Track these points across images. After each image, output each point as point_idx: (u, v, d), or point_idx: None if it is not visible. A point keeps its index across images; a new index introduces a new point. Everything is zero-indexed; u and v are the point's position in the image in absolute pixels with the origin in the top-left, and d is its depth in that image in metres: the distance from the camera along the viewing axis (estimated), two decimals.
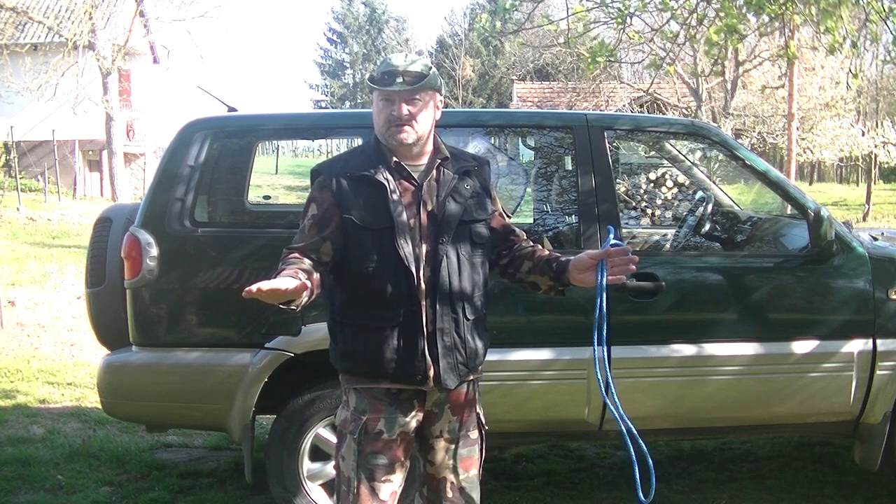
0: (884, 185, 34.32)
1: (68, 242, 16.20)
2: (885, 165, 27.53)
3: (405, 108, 2.62)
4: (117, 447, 5.16)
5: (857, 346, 4.03)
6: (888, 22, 5.69)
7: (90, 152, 26.68)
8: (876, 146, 23.33)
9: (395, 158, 2.66)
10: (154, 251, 3.87)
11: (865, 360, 4.02)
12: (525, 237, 2.90)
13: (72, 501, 4.43)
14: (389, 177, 2.64)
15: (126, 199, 21.71)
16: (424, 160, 2.71)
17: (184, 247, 3.92)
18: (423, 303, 2.62)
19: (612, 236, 2.65)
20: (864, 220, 21.60)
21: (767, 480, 4.71)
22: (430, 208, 2.66)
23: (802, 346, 4.04)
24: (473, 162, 2.80)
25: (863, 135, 23.58)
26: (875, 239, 4.51)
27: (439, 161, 2.71)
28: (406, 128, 2.62)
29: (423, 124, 2.65)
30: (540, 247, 2.87)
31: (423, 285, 2.62)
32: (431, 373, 2.63)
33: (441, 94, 2.74)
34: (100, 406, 4.33)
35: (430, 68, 2.67)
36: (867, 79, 29.54)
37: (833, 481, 4.67)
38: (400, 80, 2.60)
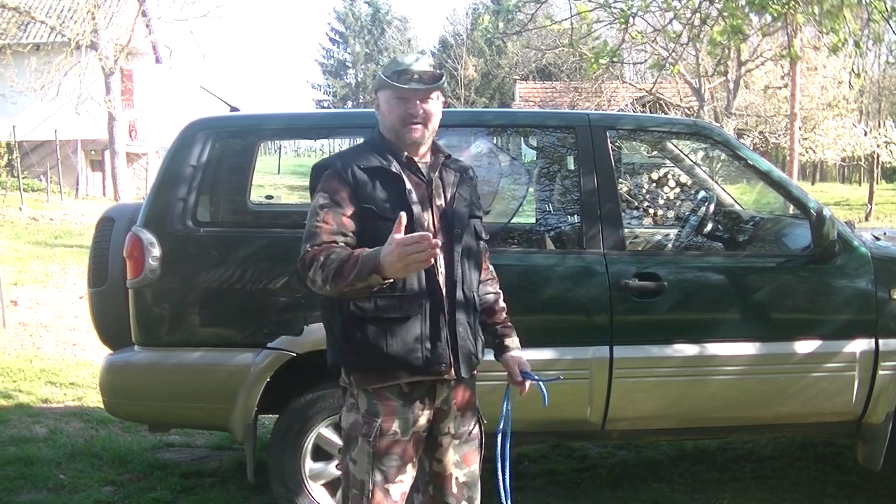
0: (886, 184, 34.29)
1: (71, 242, 16.21)
2: (888, 165, 27.43)
3: (420, 107, 2.68)
4: (119, 447, 5.16)
5: (859, 346, 4.03)
6: (891, 22, 5.68)
7: (93, 152, 26.71)
8: (878, 146, 23.27)
9: (405, 153, 2.72)
10: (156, 251, 3.87)
11: (868, 359, 4.02)
12: (493, 274, 2.97)
13: (74, 501, 4.43)
14: (403, 170, 2.70)
15: (128, 198, 21.70)
16: (427, 158, 2.78)
17: (186, 247, 3.92)
18: (443, 292, 2.67)
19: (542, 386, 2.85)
20: (866, 219, 21.58)
21: (770, 480, 4.71)
22: (438, 203, 2.72)
23: (805, 346, 4.03)
24: (465, 165, 2.89)
25: (865, 135, 23.51)
26: (877, 239, 4.50)
27: (444, 159, 2.79)
28: (420, 126, 2.69)
29: (433, 123, 2.73)
30: (498, 300, 2.95)
31: (442, 275, 2.68)
32: (451, 362, 2.69)
33: (444, 95, 2.82)
34: (102, 406, 4.33)
35: (440, 69, 2.77)
36: (870, 78, 29.49)
37: (836, 481, 4.67)
38: (417, 78, 2.67)
